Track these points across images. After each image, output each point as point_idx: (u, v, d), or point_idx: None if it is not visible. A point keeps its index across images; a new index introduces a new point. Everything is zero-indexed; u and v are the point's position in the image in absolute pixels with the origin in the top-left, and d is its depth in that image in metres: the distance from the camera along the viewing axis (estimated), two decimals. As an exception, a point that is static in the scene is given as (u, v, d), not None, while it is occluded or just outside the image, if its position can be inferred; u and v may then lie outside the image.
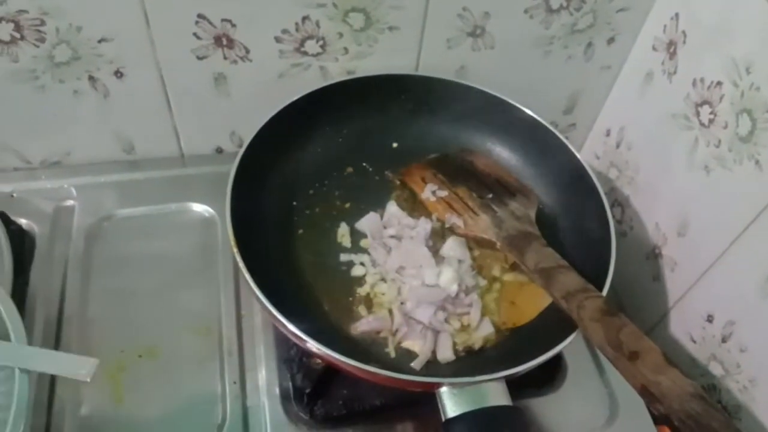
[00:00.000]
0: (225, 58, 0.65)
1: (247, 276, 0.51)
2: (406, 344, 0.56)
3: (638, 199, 0.76)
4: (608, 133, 0.81)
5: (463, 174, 0.67)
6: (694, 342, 0.68)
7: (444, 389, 0.48)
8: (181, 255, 0.66)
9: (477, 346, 0.57)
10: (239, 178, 0.59)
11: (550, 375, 0.61)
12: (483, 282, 0.61)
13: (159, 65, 0.64)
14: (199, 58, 0.64)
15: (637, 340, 0.49)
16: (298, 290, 0.58)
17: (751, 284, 0.59)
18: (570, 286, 0.53)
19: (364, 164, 0.70)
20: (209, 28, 0.62)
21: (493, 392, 0.49)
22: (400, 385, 0.49)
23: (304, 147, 0.67)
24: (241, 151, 0.60)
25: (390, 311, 0.57)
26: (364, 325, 0.55)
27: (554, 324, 0.55)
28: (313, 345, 0.48)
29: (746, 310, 0.60)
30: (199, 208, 0.69)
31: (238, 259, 0.52)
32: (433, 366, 0.55)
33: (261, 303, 0.50)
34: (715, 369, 0.65)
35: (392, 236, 0.62)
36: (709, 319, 0.65)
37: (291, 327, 0.49)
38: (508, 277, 0.62)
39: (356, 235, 0.64)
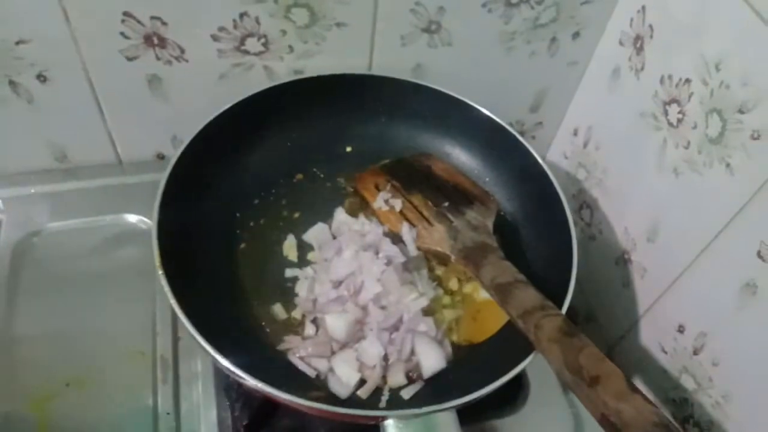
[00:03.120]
0: (158, 58, 0.60)
1: (171, 298, 0.47)
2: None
3: (607, 202, 0.73)
4: (576, 133, 0.78)
5: (419, 180, 0.63)
6: (665, 353, 0.65)
7: (389, 422, 0.45)
8: (116, 272, 0.62)
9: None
10: (172, 187, 0.54)
11: (511, 394, 0.58)
12: (441, 293, 0.57)
13: (85, 67, 0.59)
14: (129, 59, 0.60)
15: (598, 363, 0.45)
16: (235, 311, 0.54)
17: (723, 294, 0.56)
18: (527, 303, 0.50)
19: (314, 170, 0.66)
20: (137, 27, 0.57)
21: (443, 424, 0.45)
22: (339, 419, 0.45)
23: (249, 152, 0.63)
24: (175, 156, 0.56)
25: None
26: (302, 350, 0.51)
27: (516, 340, 0.51)
28: (243, 377, 0.44)
29: (719, 321, 0.57)
30: (137, 219, 0.65)
31: (162, 279, 0.48)
32: (381, 392, 0.51)
33: (186, 328, 0.46)
34: (687, 382, 0.62)
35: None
36: (680, 329, 0.62)
37: (219, 358, 0.44)
38: (468, 288, 0.58)
39: (304, 247, 0.60)
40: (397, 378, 0.51)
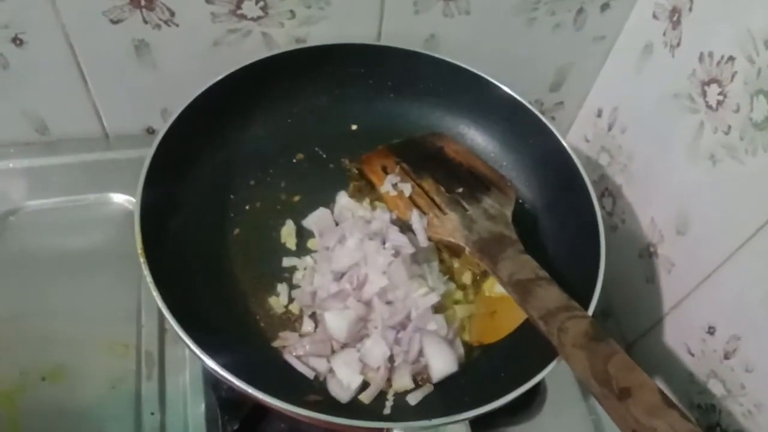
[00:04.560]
0: (145, 22, 0.55)
1: (153, 289, 0.43)
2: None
3: (632, 190, 0.68)
4: (600, 114, 0.72)
5: (430, 162, 0.58)
6: (692, 355, 0.60)
7: (394, 433, 0.40)
8: (99, 256, 0.57)
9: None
10: (159, 164, 0.50)
11: (527, 399, 0.53)
12: (453, 288, 0.52)
13: (65, 30, 0.54)
14: (114, 22, 0.54)
15: (630, 373, 0.41)
16: (226, 303, 0.49)
17: (762, 296, 0.52)
18: (550, 303, 0.45)
19: (317, 149, 0.61)
20: (122, -15, 0.51)
21: (454, 436, 0.40)
22: (339, 429, 0.40)
23: (245, 129, 0.58)
24: (162, 130, 0.51)
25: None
26: (299, 349, 0.46)
27: (534, 342, 0.46)
28: (232, 381, 0.39)
29: (755, 324, 0.53)
30: (123, 199, 0.60)
31: (144, 267, 0.44)
32: (385, 396, 0.46)
33: (171, 323, 0.41)
34: (716, 388, 0.58)
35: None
36: (710, 331, 0.57)
37: (205, 359, 0.40)
38: (486, 285, 0.53)
39: (304, 234, 0.55)
40: (403, 381, 0.47)
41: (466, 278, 0.53)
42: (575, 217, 0.53)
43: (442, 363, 0.47)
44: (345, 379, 0.45)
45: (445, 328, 0.49)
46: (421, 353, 0.47)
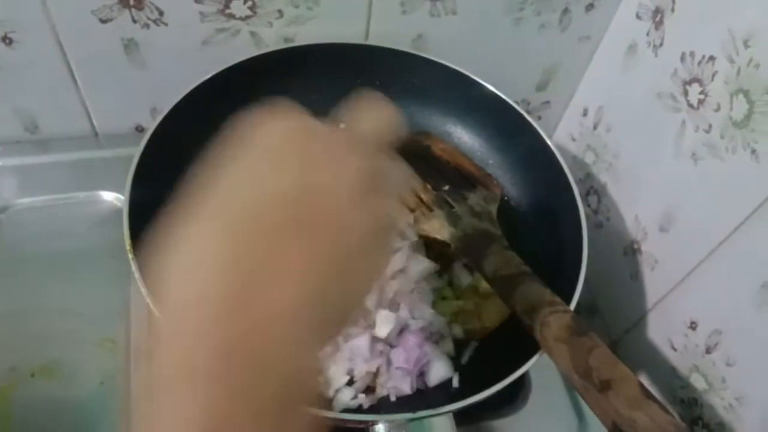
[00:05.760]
0: (134, 21, 0.55)
1: (142, 286, 0.43)
2: (343, 363, 0.48)
3: (617, 188, 0.69)
4: (585, 113, 0.73)
5: (417, 161, 0.58)
6: (675, 350, 0.61)
7: (379, 426, 0.40)
8: (88, 253, 0.57)
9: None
10: (147, 162, 0.50)
11: (512, 393, 0.54)
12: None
13: (55, 29, 0.54)
14: (103, 21, 0.54)
15: (611, 366, 0.41)
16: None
17: (742, 291, 0.52)
18: (533, 298, 0.45)
19: (305, 147, 0.61)
20: (111, -15, 0.52)
21: (438, 428, 0.41)
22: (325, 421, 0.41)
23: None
24: (151, 128, 0.51)
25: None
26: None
27: (518, 337, 0.47)
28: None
29: (735, 320, 0.54)
30: (113, 197, 0.60)
31: (133, 264, 0.44)
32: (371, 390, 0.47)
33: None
34: (698, 382, 0.58)
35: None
36: (692, 326, 0.58)
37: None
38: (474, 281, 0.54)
39: (292, 231, 0.55)
40: (388, 375, 0.48)
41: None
42: (559, 214, 0.54)
43: (436, 369, 0.48)
44: (331, 375, 0.46)
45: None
46: (408, 349, 0.48)
